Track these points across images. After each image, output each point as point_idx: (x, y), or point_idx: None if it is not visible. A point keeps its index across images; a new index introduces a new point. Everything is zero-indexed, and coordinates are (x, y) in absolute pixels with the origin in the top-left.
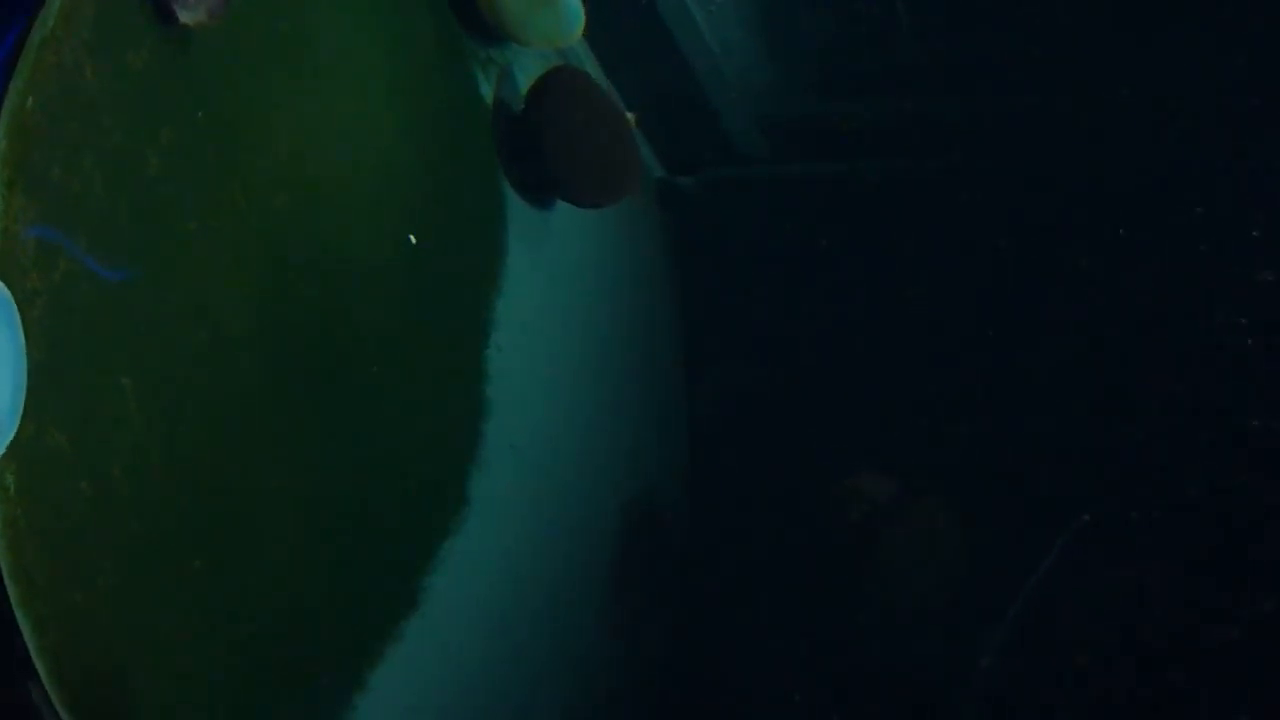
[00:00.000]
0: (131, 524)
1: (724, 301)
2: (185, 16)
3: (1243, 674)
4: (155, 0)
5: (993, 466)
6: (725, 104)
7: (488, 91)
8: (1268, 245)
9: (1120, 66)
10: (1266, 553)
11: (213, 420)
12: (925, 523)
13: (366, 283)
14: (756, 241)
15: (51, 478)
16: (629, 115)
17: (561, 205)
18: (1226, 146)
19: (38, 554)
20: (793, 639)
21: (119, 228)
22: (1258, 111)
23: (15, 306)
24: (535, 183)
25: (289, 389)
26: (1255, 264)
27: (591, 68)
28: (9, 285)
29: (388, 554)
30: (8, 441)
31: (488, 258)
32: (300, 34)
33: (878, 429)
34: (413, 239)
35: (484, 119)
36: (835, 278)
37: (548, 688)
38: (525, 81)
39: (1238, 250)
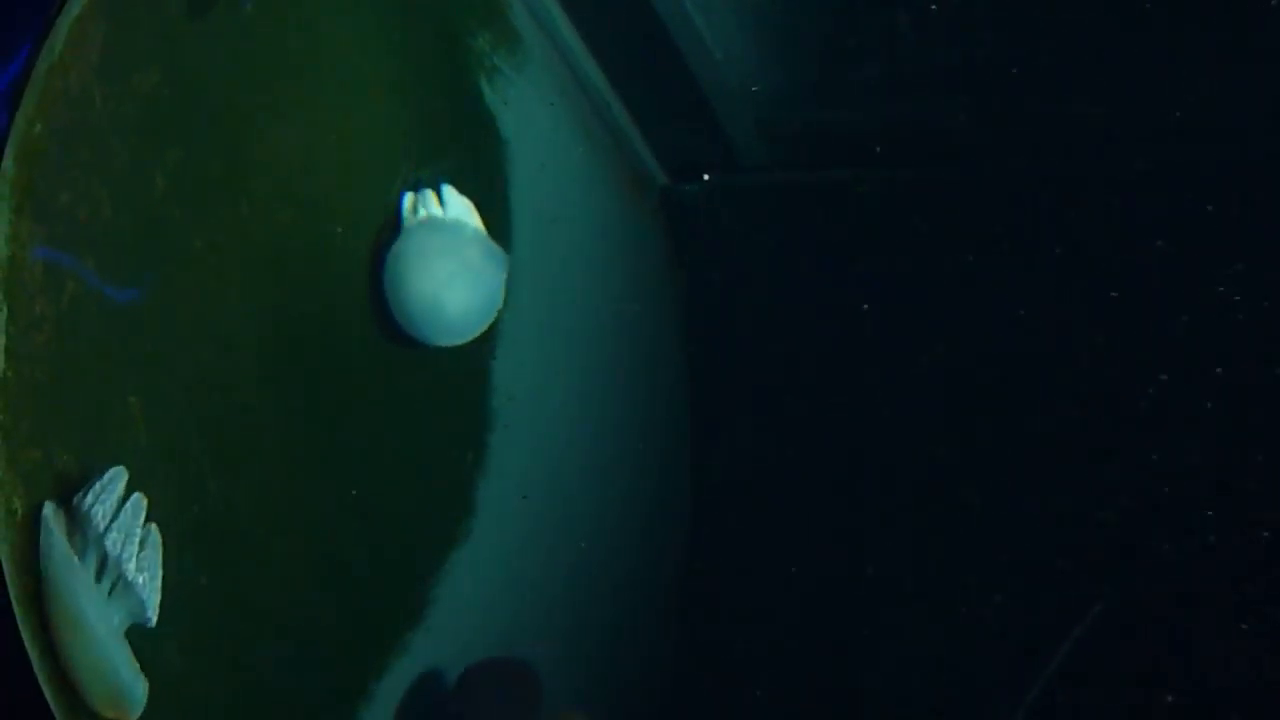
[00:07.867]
0: None
1: (728, 309)
2: None
3: None
4: None
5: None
6: (728, 111)
7: (492, 99)
8: None
9: (1130, 71)
10: None
11: (218, 437)
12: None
13: (371, 297)
14: (761, 249)
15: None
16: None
17: (563, 214)
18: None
19: None
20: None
21: (126, 249)
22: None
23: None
24: None
25: (295, 404)
26: None
27: (594, 75)
28: (14, 311)
29: (394, 565)
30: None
31: None
32: (309, 50)
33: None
34: None
35: (489, 125)
36: (842, 287)
37: (552, 700)
38: (529, 87)
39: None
